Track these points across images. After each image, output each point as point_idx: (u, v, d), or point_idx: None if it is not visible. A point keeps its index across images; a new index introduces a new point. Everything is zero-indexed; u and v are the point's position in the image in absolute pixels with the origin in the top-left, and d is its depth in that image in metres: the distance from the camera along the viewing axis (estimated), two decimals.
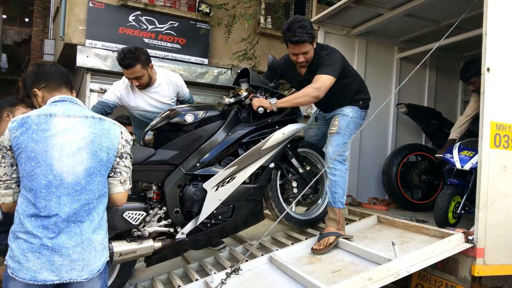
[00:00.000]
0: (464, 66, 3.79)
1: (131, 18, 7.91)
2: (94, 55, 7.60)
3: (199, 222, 2.57)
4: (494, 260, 2.60)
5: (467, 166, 3.20)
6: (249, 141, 2.70)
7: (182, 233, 2.56)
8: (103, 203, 1.74)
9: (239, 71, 2.99)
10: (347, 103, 2.97)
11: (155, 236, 2.53)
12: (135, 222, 2.40)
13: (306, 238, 3.09)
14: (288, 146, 2.91)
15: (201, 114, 2.60)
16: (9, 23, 18.17)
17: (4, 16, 18.10)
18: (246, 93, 2.74)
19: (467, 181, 3.23)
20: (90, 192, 1.68)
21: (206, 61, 8.50)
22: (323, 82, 2.67)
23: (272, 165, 2.74)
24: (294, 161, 2.95)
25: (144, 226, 2.44)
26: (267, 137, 2.67)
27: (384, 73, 4.66)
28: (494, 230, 2.62)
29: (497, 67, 2.68)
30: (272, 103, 2.69)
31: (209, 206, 2.57)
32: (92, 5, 7.65)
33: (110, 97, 3.12)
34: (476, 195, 2.61)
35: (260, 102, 2.67)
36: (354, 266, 2.59)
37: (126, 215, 2.37)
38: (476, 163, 3.06)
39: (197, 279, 2.61)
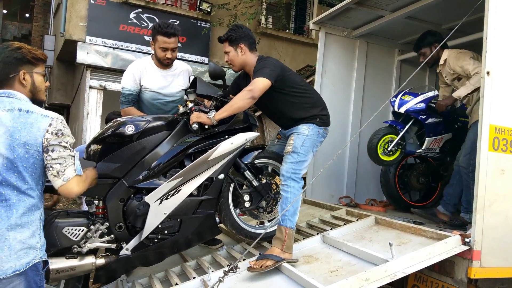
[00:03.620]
0: (419, 37, 3.77)
1: (132, 15, 7.92)
2: (94, 51, 7.61)
3: (143, 237, 2.48)
4: (491, 263, 2.61)
5: (402, 109, 3.51)
6: (197, 152, 2.59)
7: (126, 249, 2.48)
8: (24, 201, 1.70)
9: (191, 80, 2.91)
10: (304, 121, 2.88)
11: (98, 252, 2.46)
12: (76, 238, 2.35)
13: (303, 238, 3.11)
14: (247, 157, 2.85)
15: (142, 124, 2.50)
16: (10, 18, 18.15)
17: (5, 11, 18.09)
18: (191, 104, 2.67)
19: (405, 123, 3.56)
20: (7, 188, 1.67)
21: (206, 60, 8.52)
22: (255, 84, 2.65)
23: (221, 176, 2.63)
24: (247, 173, 2.82)
25: (85, 242, 2.39)
26: (214, 147, 2.56)
27: (384, 75, 4.68)
28: (491, 232, 2.62)
29: (497, 71, 2.68)
30: (210, 117, 2.58)
31: (153, 220, 2.47)
32: (93, 2, 7.66)
33: (131, 87, 3.12)
34: (473, 198, 2.62)
35: (198, 118, 2.57)
36: (351, 266, 2.59)
37: (66, 231, 2.32)
38: (413, 106, 3.50)
39: (194, 277, 2.61)
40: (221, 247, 3.22)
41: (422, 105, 3.55)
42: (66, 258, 2.36)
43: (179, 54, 8.14)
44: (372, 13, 4.08)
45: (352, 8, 3.96)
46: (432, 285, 2.80)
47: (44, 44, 10.03)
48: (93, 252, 2.47)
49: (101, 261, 2.44)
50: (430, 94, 3.63)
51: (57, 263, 2.31)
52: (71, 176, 1.81)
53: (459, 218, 3.33)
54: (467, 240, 2.57)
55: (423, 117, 3.59)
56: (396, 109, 3.63)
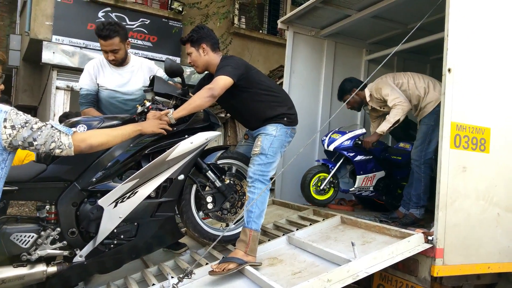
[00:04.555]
0: (339, 88, 3.91)
1: (100, 14, 7.72)
2: (61, 51, 7.37)
3: (97, 243, 2.36)
4: (453, 260, 2.61)
5: (331, 147, 3.62)
6: (155, 152, 2.50)
7: (80, 256, 2.35)
8: None
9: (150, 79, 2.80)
10: (272, 120, 2.81)
11: (50, 260, 2.35)
12: (25, 245, 2.22)
13: (268, 240, 3.05)
14: (210, 157, 2.79)
15: (95, 124, 2.39)
16: None
17: None
18: (149, 103, 2.57)
19: (336, 162, 3.66)
20: None
21: (178, 60, 8.36)
22: (215, 82, 2.58)
23: (181, 177, 2.54)
24: (210, 174, 2.74)
25: (36, 249, 2.26)
26: (173, 147, 2.47)
27: (352, 75, 4.62)
28: (453, 230, 2.63)
29: (458, 68, 2.70)
30: (169, 116, 2.47)
31: (108, 224, 2.35)
32: (59, 0, 7.43)
33: (89, 87, 3.05)
34: (436, 196, 2.61)
35: (154, 117, 2.47)
36: (315, 267, 2.54)
37: (14, 238, 2.20)
38: (340, 144, 3.62)
39: (153, 284, 2.51)
40: (185, 252, 3.12)
41: (349, 142, 3.64)
42: (14, 267, 2.22)
43: (150, 54, 8.06)
44: (339, 12, 4.07)
45: (319, 7, 3.95)
46: (397, 284, 2.78)
47: (10, 43, 9.66)
48: (46, 259, 2.33)
49: (53, 269, 2.31)
50: (358, 132, 3.71)
51: (3, 272, 2.17)
52: (69, 141, 1.93)
53: (409, 216, 3.36)
54: (430, 238, 2.57)
55: (351, 154, 3.66)
56: (325, 147, 3.71)
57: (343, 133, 3.70)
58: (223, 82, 2.59)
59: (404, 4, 3.66)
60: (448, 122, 2.65)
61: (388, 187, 3.88)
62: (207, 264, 2.66)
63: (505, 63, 2.92)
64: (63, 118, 3.44)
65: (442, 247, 2.56)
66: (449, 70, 2.67)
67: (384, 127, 3.45)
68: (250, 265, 2.55)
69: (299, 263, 2.64)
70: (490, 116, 2.84)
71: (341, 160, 3.66)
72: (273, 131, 2.79)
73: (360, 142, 3.64)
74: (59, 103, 7.47)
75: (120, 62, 3.04)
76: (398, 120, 3.39)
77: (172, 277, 2.46)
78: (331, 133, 3.77)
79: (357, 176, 3.71)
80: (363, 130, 3.74)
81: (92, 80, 3.04)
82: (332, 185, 3.58)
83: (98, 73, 3.05)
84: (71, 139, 1.95)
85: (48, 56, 7.29)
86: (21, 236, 2.23)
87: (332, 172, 3.57)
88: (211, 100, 2.56)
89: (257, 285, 2.39)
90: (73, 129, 2.09)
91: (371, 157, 3.74)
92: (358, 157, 3.67)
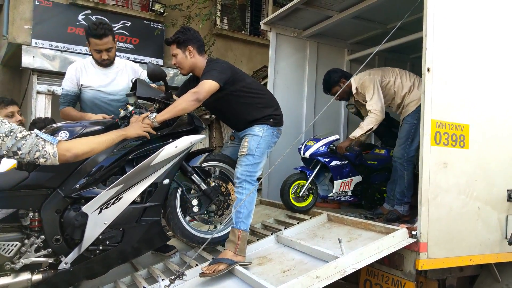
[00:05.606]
0: (324, 81, 3.97)
1: (80, 17, 7.61)
2: (41, 55, 7.24)
3: (83, 249, 2.35)
4: (437, 254, 2.70)
5: (306, 154, 3.71)
6: (140, 157, 2.48)
7: (65, 263, 2.33)
8: None
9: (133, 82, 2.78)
10: (258, 122, 2.86)
11: (36, 267, 2.32)
12: (8, 254, 2.20)
13: (257, 239, 3.09)
14: (194, 160, 2.80)
15: (77, 130, 2.36)
16: None
17: None
18: (132, 108, 2.57)
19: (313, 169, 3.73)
20: None
21: (161, 61, 8.32)
22: (201, 86, 2.60)
23: (166, 181, 2.54)
24: (195, 177, 2.75)
25: (19, 257, 2.25)
26: (157, 152, 2.45)
27: None
28: (436, 225, 2.71)
29: (437, 67, 2.78)
30: (151, 119, 2.46)
31: (93, 231, 2.33)
32: (38, 3, 7.29)
33: (69, 88, 3.06)
34: (418, 191, 2.69)
35: (138, 121, 2.45)
36: (304, 265, 2.59)
37: None
38: (315, 150, 3.69)
39: (144, 287, 2.52)
40: (174, 254, 3.13)
41: (323, 148, 3.72)
42: None
43: (132, 56, 7.99)
44: (321, 14, 4.13)
45: (301, 8, 4.00)
46: (383, 278, 2.86)
47: None
48: (30, 267, 2.29)
49: (38, 277, 2.27)
50: (331, 138, 3.79)
51: None
52: (54, 150, 1.92)
53: (394, 212, 3.45)
54: (413, 232, 2.64)
55: (326, 160, 3.73)
56: (302, 155, 3.79)
57: (317, 140, 3.78)
58: (208, 86, 2.61)
59: (384, 5, 3.74)
60: (428, 119, 2.73)
61: (366, 191, 3.98)
62: (197, 265, 2.68)
63: (483, 61, 3.02)
64: (32, 126, 3.39)
65: (426, 241, 2.64)
66: (428, 69, 2.75)
67: (357, 133, 3.54)
68: (240, 265, 2.58)
69: (288, 261, 2.69)
70: (468, 113, 2.94)
71: (318, 167, 3.72)
72: (259, 132, 2.83)
73: (334, 148, 3.71)
74: (40, 107, 7.34)
75: (110, 62, 3.06)
76: (371, 128, 3.50)
77: (162, 280, 2.48)
78: (306, 141, 3.85)
79: (335, 181, 3.79)
80: (337, 136, 3.83)
81: (73, 82, 3.04)
82: (311, 192, 3.61)
83: (82, 74, 3.04)
84: (56, 148, 1.94)
85: (28, 60, 7.16)
86: (4, 245, 2.19)
87: (310, 178, 3.61)
88: (195, 104, 2.57)
89: (248, 284, 2.43)
90: (57, 137, 2.08)
91: (346, 162, 3.82)
92: (334, 162, 3.74)
